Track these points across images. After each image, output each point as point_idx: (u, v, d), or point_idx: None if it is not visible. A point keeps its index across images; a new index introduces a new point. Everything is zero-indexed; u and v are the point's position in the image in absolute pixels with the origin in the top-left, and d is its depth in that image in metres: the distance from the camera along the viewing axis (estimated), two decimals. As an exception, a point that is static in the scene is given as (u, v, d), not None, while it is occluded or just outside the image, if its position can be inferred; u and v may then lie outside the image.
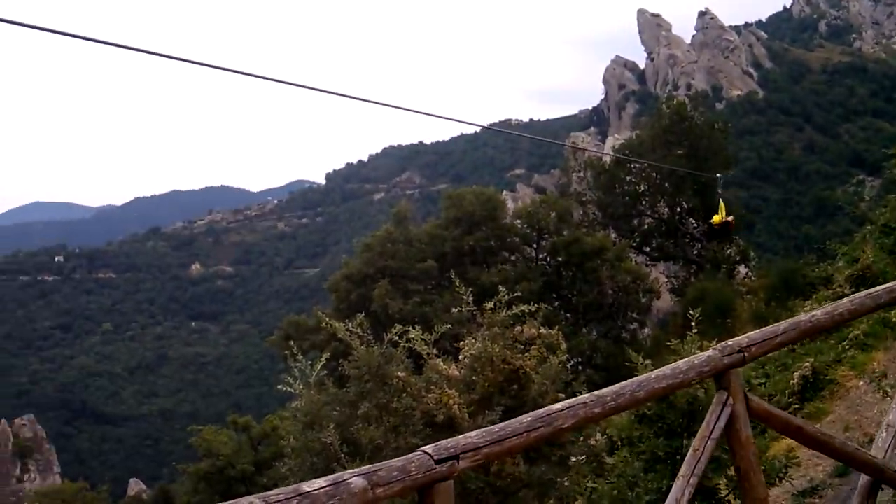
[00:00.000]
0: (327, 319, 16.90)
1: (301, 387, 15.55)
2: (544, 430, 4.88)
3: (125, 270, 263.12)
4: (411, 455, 4.25)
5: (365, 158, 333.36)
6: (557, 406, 5.11)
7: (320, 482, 3.76)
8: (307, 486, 3.71)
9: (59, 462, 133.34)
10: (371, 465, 4.07)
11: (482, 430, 4.63)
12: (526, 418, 4.85)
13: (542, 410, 5.03)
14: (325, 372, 16.06)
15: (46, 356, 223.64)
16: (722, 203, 26.99)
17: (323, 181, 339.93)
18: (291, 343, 17.67)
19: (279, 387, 16.32)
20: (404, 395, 14.73)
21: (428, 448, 4.31)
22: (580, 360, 45.16)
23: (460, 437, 4.53)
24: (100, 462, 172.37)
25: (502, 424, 4.75)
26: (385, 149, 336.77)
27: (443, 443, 4.39)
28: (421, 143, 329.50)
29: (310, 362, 16.04)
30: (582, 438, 16.01)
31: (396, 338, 15.26)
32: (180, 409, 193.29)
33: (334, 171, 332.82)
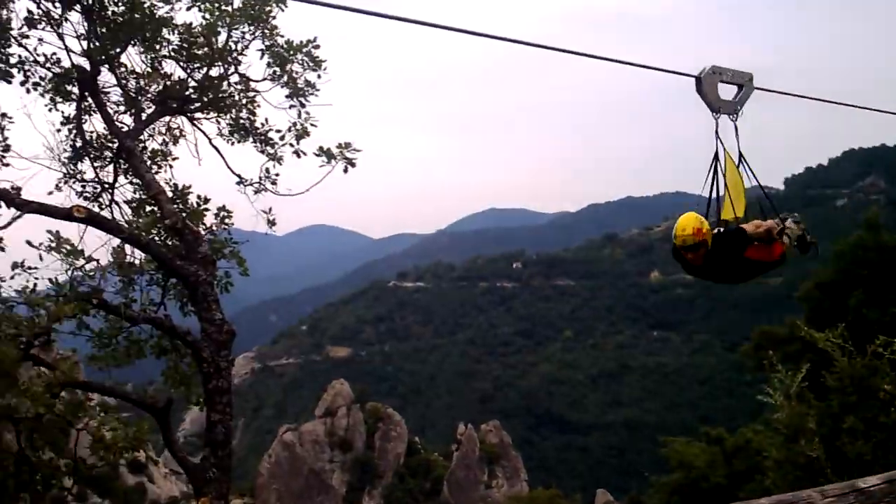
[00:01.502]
0: (805, 329, 16.65)
1: (781, 398, 15.32)
2: None
3: (582, 277, 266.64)
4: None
5: (825, 162, 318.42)
6: None
7: (874, 479, 3.94)
8: (862, 483, 3.90)
9: (524, 468, 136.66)
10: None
11: None
12: None
13: None
14: (806, 384, 15.77)
15: (508, 362, 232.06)
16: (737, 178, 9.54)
17: (782, 186, 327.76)
18: (770, 353, 17.32)
19: (758, 397, 16.18)
20: (892, 409, 14.21)
21: None
22: None
23: None
24: (564, 470, 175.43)
25: None
26: (845, 152, 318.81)
27: None
28: (883, 145, 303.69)
29: (789, 373, 15.77)
30: None
31: (880, 349, 14.74)
32: (644, 419, 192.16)
33: (793, 175, 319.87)
